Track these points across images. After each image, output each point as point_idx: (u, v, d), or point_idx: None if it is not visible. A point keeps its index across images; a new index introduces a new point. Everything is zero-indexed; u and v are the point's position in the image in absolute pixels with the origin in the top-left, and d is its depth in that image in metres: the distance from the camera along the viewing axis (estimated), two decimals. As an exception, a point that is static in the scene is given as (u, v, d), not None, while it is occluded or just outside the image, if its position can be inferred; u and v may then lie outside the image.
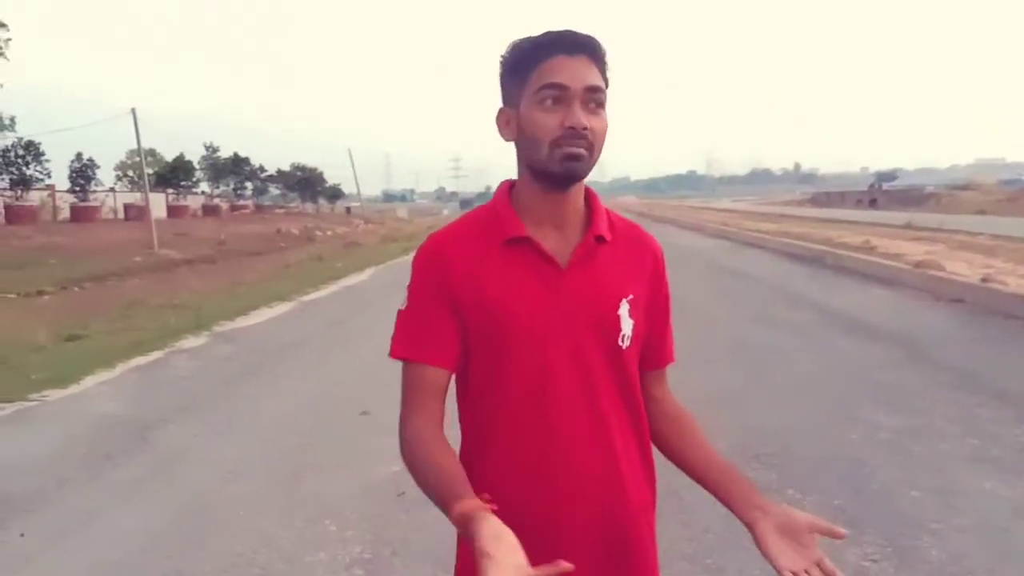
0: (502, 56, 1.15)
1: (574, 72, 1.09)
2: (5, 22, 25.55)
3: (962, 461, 4.09)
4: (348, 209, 66.40)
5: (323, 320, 9.86)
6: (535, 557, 0.92)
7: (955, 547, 3.14)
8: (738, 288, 11.45)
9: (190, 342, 8.50)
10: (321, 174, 63.89)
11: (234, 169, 54.41)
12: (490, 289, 1.14)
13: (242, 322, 9.78)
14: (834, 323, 8.24)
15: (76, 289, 15.78)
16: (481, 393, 1.19)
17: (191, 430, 5.20)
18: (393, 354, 1.21)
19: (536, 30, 1.14)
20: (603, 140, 1.12)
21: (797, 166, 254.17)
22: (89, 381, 6.76)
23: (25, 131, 29.92)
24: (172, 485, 4.22)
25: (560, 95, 1.09)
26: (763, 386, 5.78)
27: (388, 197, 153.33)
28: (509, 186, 1.22)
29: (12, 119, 28.60)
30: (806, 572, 1.06)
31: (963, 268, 10.46)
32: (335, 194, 67.46)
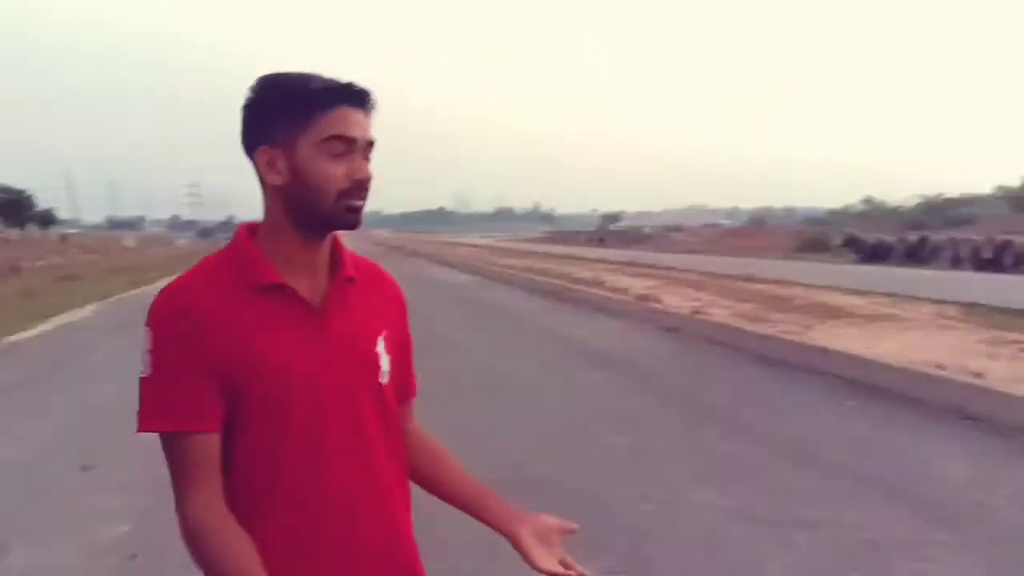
0: (257, 90, 1.08)
1: (360, 125, 1.09)
2: None
3: (685, 475, 4.60)
4: (64, 236, 59.08)
5: (35, 364, 8.65)
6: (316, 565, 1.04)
7: (684, 556, 3.52)
8: (489, 322, 11.95)
9: None
10: (30, 197, 56.33)
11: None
12: (251, 341, 1.07)
13: (-75, 368, 8.27)
14: (575, 354, 8.90)
15: None
16: (251, 459, 1.09)
17: None
18: (142, 427, 1.08)
19: (289, 63, 1.03)
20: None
21: (537, 206, 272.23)
22: None
23: None
24: None
25: (347, 148, 1.08)
26: (509, 416, 6.07)
27: (114, 224, 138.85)
28: (250, 230, 1.15)
29: None
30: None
31: (677, 300, 11.85)
32: (47, 219, 59.77)
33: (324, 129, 1.07)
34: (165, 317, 1.07)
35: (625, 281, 15.58)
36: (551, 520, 1.24)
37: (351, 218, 1.10)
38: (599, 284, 15.22)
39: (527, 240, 71.71)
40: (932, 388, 6.05)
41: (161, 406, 1.07)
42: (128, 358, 7.85)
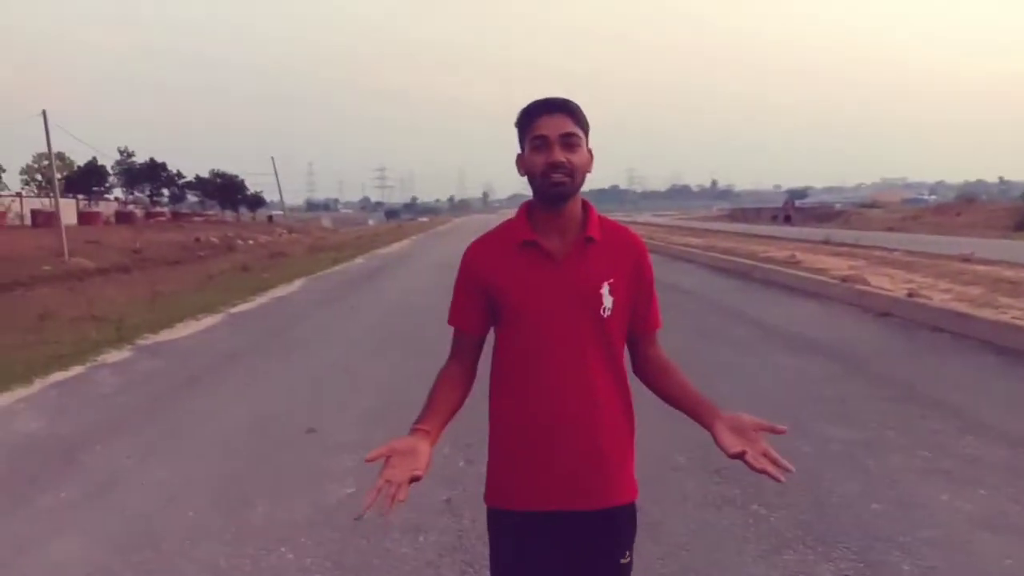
0: (519, 116, 1.65)
1: (551, 126, 1.59)
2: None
3: (916, 473, 4.18)
4: (270, 218, 64.74)
5: (256, 333, 9.49)
6: (532, 467, 1.64)
7: (924, 560, 3.18)
8: (676, 302, 11.60)
9: (113, 356, 8.02)
10: (242, 182, 62.13)
11: (150, 175, 52.35)
12: (505, 279, 1.65)
13: (167, 335, 9.31)
14: (773, 338, 8.42)
15: (-22, 299, 14.78)
16: (500, 349, 1.70)
17: (123, 451, 4.86)
18: (448, 322, 1.75)
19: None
20: (584, 167, 1.62)
21: (714, 183, 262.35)
22: (4, 399, 6.27)
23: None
24: (108, 512, 3.91)
25: (543, 143, 1.59)
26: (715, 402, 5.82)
27: (311, 206, 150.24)
28: (527, 205, 1.71)
29: None
30: (752, 457, 1.59)
31: (887, 283, 10.89)
32: (256, 202, 65.67)
33: (529, 134, 1.61)
34: (463, 261, 1.72)
35: (823, 261, 14.58)
36: (747, 418, 1.68)
37: (555, 191, 1.60)
38: (793, 263, 14.34)
39: (705, 218, 69.39)
40: None
41: (455, 311, 1.74)
42: (334, 329, 8.33)
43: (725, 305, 11.18)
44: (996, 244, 19.80)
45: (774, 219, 56.93)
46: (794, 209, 62.85)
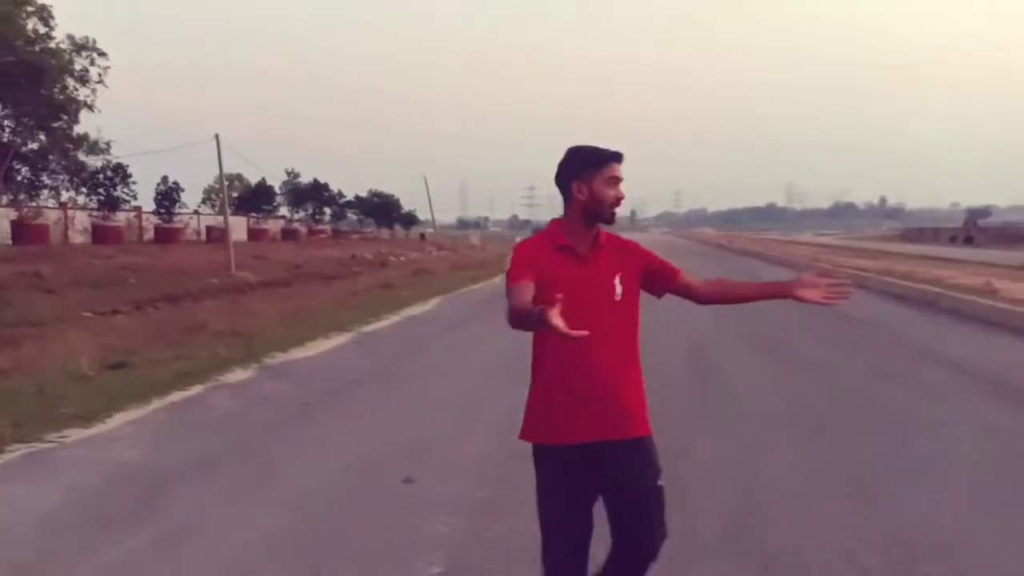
0: (571, 152, 2.44)
1: (620, 172, 2.40)
2: (105, 51, 26.34)
3: None
4: (422, 235, 66.65)
5: (380, 356, 9.07)
6: (571, 408, 2.31)
7: None
8: (849, 334, 10.13)
9: (236, 375, 7.80)
10: (397, 200, 64.41)
11: (313, 194, 55.24)
12: (549, 269, 2.33)
13: (295, 353, 9.07)
14: (975, 384, 6.93)
15: (150, 309, 15.58)
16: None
17: (209, 492, 4.38)
18: (511, 283, 2.31)
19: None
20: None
21: (883, 200, 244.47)
22: (117, 419, 6.07)
23: (114, 152, 30.71)
24: (168, 569, 3.38)
25: (616, 183, 2.39)
26: (907, 472, 4.60)
27: (463, 224, 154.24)
28: (558, 221, 2.49)
29: (108, 143, 29.39)
30: (821, 294, 2.42)
31: (1120, 320, 8.92)
32: (410, 220, 67.89)
33: (607, 173, 2.37)
34: (519, 248, 2.45)
35: (1027, 290, 12.44)
36: (808, 274, 2.53)
37: (612, 217, 2.40)
38: (990, 292, 12.32)
39: (873, 238, 64.27)
40: None
41: (514, 275, 2.32)
42: (459, 354, 7.60)
43: (910, 339, 9.60)
44: None
45: (953, 240, 51.67)
46: (977, 229, 56.79)
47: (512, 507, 4.02)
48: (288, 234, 48.32)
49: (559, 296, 2.00)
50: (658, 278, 2.51)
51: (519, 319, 2.15)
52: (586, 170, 2.36)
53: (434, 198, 66.83)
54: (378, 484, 4.49)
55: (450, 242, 63.84)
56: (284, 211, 54.55)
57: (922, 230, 70.10)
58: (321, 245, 45.11)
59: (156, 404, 6.56)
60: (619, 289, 2.37)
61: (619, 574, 2.42)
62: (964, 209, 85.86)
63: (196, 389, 7.15)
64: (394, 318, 12.53)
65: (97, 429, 5.79)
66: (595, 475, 2.30)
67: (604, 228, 2.44)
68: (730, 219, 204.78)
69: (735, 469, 4.68)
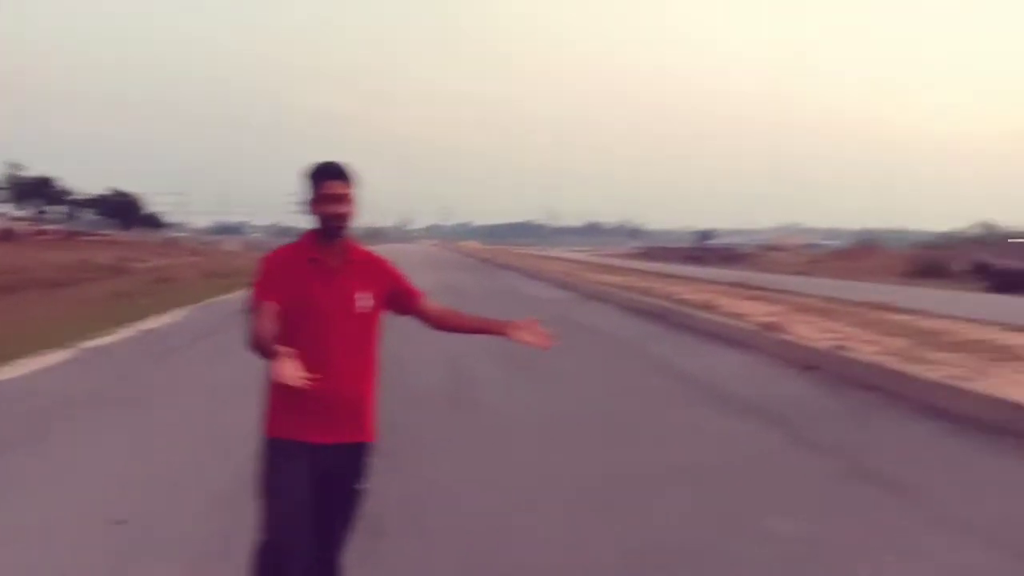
0: (306, 170, 2.57)
1: (338, 188, 2.53)
2: None
3: (891, 591, 3.34)
4: (171, 239, 61.43)
5: (102, 375, 8.04)
6: (308, 408, 2.45)
7: None
8: (592, 347, 10.77)
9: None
10: (139, 200, 58.80)
11: (39, 191, 48.79)
12: (295, 281, 2.51)
13: (-3, 375, 7.76)
14: (698, 393, 7.64)
15: None
16: (293, 330, 2.45)
17: None
18: (256, 299, 2.48)
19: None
20: (354, 216, 2.56)
21: (627, 220, 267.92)
22: None
23: None
24: None
25: (333, 199, 2.53)
26: (631, 473, 4.90)
27: (222, 228, 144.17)
28: (311, 233, 2.60)
29: None
30: (532, 337, 2.69)
31: (809, 331, 10.36)
32: (154, 222, 62.27)
33: (323, 190, 2.53)
34: (265, 260, 2.59)
35: (741, 305, 14.08)
36: (526, 322, 2.74)
37: (337, 231, 2.56)
38: (712, 307, 13.79)
39: (619, 255, 69.96)
40: None
41: (259, 293, 2.48)
42: (199, 376, 6.89)
43: (644, 351, 10.42)
44: (902, 291, 19.99)
45: (686, 258, 57.80)
46: (704, 250, 64.23)
47: (244, 548, 3.67)
48: (3, 234, 42.09)
49: (292, 351, 2.29)
50: (401, 299, 2.71)
51: (256, 349, 2.41)
52: (310, 187, 2.55)
53: (192, 200, 61.96)
54: (80, 528, 3.88)
55: (202, 247, 59.37)
56: (2, 208, 47.58)
57: (659, 249, 77.69)
58: (48, 247, 39.82)
59: None
60: (363, 303, 2.56)
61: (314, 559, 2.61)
62: (693, 231, 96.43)
63: None
64: (126, 332, 11.25)
65: None
66: (319, 471, 2.52)
67: (360, 243, 2.71)
68: (494, 233, 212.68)
69: (483, 486, 4.68)
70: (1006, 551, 3.77)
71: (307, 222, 2.58)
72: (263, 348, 2.36)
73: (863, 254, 50.47)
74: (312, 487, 2.50)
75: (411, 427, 5.88)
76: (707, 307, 14.03)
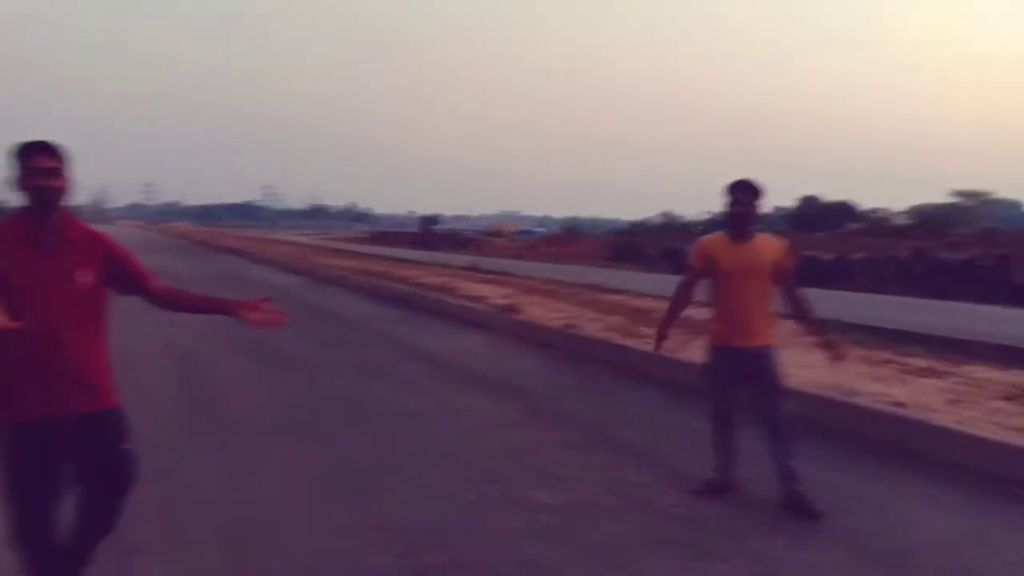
0: (11, 149, 2.53)
1: (44, 162, 2.50)
2: None
3: (642, 545, 3.71)
4: None
5: None
6: (36, 386, 2.49)
7: None
8: (333, 332, 10.54)
9: None
10: None
11: None
12: (10, 264, 2.48)
13: None
14: (445, 374, 7.82)
15: None
16: (18, 310, 2.41)
17: None
18: None
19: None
20: (66, 191, 2.55)
21: (353, 204, 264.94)
22: None
23: None
24: None
25: (39, 172, 2.50)
26: (398, 462, 4.90)
27: None
28: (21, 210, 2.55)
29: None
30: (262, 317, 2.76)
31: (540, 311, 11.10)
32: None
33: (29, 164, 2.50)
34: None
35: (476, 288, 14.65)
36: (255, 299, 2.80)
37: (43, 205, 2.52)
38: (449, 290, 14.18)
39: (347, 239, 68.99)
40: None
41: None
42: None
43: (388, 335, 10.41)
44: (609, 274, 22.10)
45: (414, 243, 58.64)
46: (430, 234, 65.65)
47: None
48: None
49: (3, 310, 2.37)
50: (126, 278, 2.71)
51: None
52: (19, 164, 2.53)
53: None
54: None
55: None
56: None
57: (387, 233, 77.88)
58: None
59: None
60: (83, 280, 2.56)
61: (90, 534, 2.72)
62: (418, 216, 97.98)
63: None
64: None
65: None
66: (63, 447, 2.55)
67: (76, 219, 2.66)
68: (208, 214, 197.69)
69: (229, 487, 4.39)
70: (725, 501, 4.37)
71: (18, 200, 2.55)
72: None
73: (569, 240, 55.19)
74: (64, 464, 2.58)
75: (154, 434, 5.31)
76: (444, 290, 14.41)
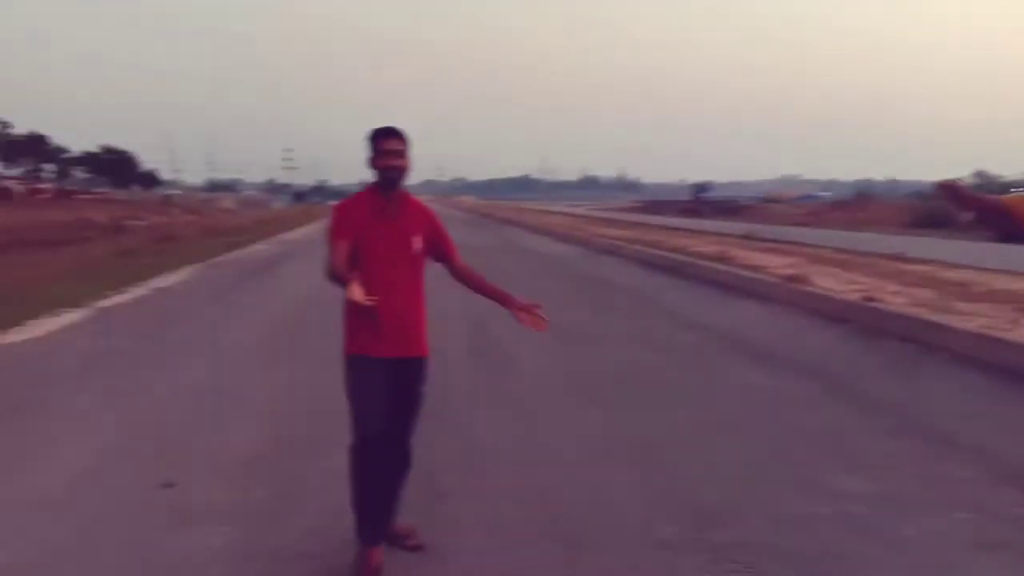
0: (368, 133, 3.07)
1: (394, 144, 3.04)
2: None
3: (967, 549, 3.24)
4: (166, 197, 60.76)
5: (124, 335, 7.89)
6: (377, 329, 3.01)
7: None
8: (611, 302, 10.65)
9: (-71, 366, 6.34)
10: (133, 158, 57.97)
11: (30, 148, 47.92)
12: (360, 226, 3.01)
13: (14, 335, 7.61)
14: (727, 346, 7.52)
15: None
16: (360, 265, 2.98)
17: None
18: (330, 240, 3.02)
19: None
20: (408, 170, 3.08)
21: (623, 174, 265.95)
22: None
23: None
24: None
25: (390, 154, 3.03)
26: (682, 434, 4.79)
27: (213, 186, 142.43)
28: (370, 186, 3.11)
29: None
30: (529, 315, 3.17)
31: (831, 283, 10.24)
32: (150, 180, 61.56)
33: (382, 146, 3.03)
34: (338, 207, 3.16)
35: (756, 257, 13.94)
36: (529, 304, 3.19)
37: (393, 182, 3.06)
38: (727, 259, 13.64)
39: (617, 209, 69.58)
40: None
41: (331, 234, 3.04)
42: (219, 330, 6.71)
43: (665, 305, 10.28)
44: (911, 241, 19.83)
45: (683, 211, 57.42)
46: (701, 203, 63.73)
47: (294, 509, 3.58)
48: (1, 193, 41.58)
49: (358, 276, 2.88)
50: (439, 248, 3.20)
51: (332, 277, 2.95)
52: (371, 146, 3.05)
53: (182, 157, 61.25)
54: (129, 491, 3.78)
55: (200, 205, 58.72)
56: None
57: (657, 202, 77.19)
58: (42, 206, 39.42)
59: None
60: (416, 245, 3.07)
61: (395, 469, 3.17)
62: (689, 184, 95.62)
63: None
64: (139, 291, 11.07)
65: None
66: (387, 380, 3.03)
67: (411, 194, 3.17)
68: (490, 189, 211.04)
69: (517, 444, 4.59)
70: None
71: (370, 176, 3.12)
72: (338, 277, 2.90)
73: (861, 205, 50.20)
74: (387, 392, 3.03)
75: (448, 387, 5.78)
76: (721, 259, 13.88)
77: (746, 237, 20.22)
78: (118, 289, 10.90)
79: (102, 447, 4.46)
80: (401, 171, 3.04)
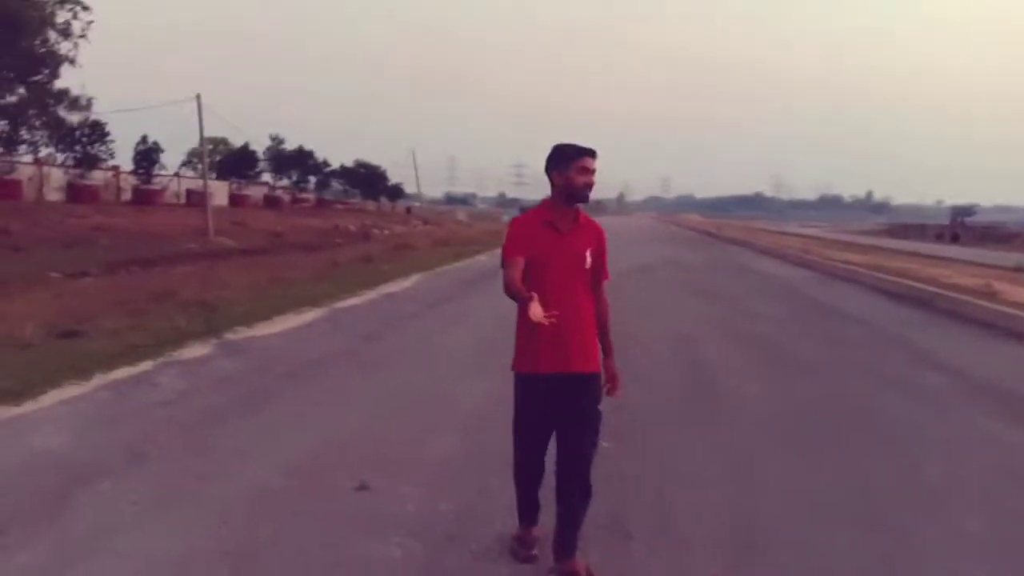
0: (555, 149, 3.14)
1: (591, 164, 3.10)
2: (88, 4, 25.17)
3: None
4: (408, 209, 65.74)
5: (350, 336, 8.48)
6: (550, 346, 3.02)
7: None
8: (843, 333, 9.65)
9: (192, 351, 7.20)
10: (384, 172, 63.36)
11: (298, 162, 54.08)
12: (537, 241, 3.06)
13: (261, 329, 8.48)
14: (983, 395, 6.47)
15: (122, 272, 14.86)
16: (534, 280, 3.00)
17: (131, 492, 3.82)
18: (508, 256, 3.05)
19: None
20: (592, 186, 3.13)
21: (869, 194, 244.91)
22: (51, 397, 5.50)
23: (96, 109, 29.49)
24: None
25: (586, 172, 3.09)
26: (917, 493, 4.12)
27: (450, 199, 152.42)
28: (546, 201, 3.18)
29: (89, 99, 27.96)
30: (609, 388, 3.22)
31: None
32: (396, 193, 66.92)
33: (579, 164, 3.08)
34: (515, 223, 3.16)
35: (1028, 293, 12.02)
36: (617, 384, 3.24)
37: (585, 197, 3.10)
38: (989, 295, 11.89)
39: (859, 232, 64.04)
40: None
41: (507, 250, 3.06)
42: (434, 338, 6.82)
43: (907, 341, 9.12)
44: None
45: (939, 238, 51.53)
46: (962, 227, 56.69)
47: (480, 525, 3.51)
48: (270, 201, 47.31)
49: (534, 295, 2.79)
50: (595, 267, 3.20)
51: (509, 294, 2.96)
52: (563, 163, 3.10)
53: (422, 172, 66.04)
54: (325, 492, 3.94)
55: (436, 217, 62.89)
56: (267, 177, 53.33)
57: (908, 226, 69.96)
58: (304, 214, 44.21)
59: (97, 381, 5.97)
60: (587, 260, 3.14)
61: (567, 477, 3.08)
62: (949, 207, 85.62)
63: (144, 365, 6.56)
64: (371, 294, 11.93)
65: (26, 408, 5.24)
66: (558, 398, 3.04)
67: (584, 211, 3.21)
68: (717, 207, 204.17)
69: (727, 486, 4.18)
70: None
71: (548, 191, 3.21)
72: (515, 294, 2.92)
73: None
74: (555, 411, 3.06)
75: (645, 411, 5.49)
76: (982, 293, 12.12)
77: (1018, 269, 17.57)
78: (353, 292, 11.83)
79: (315, 443, 4.72)
80: (591, 188, 3.12)
